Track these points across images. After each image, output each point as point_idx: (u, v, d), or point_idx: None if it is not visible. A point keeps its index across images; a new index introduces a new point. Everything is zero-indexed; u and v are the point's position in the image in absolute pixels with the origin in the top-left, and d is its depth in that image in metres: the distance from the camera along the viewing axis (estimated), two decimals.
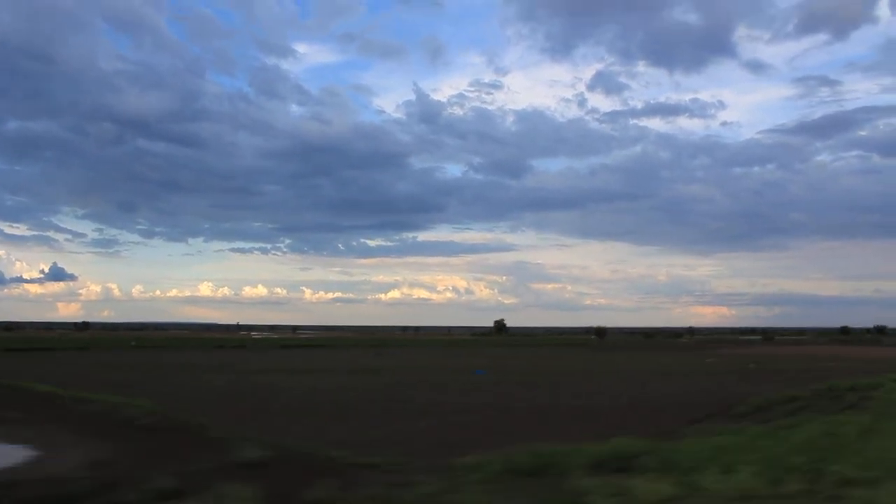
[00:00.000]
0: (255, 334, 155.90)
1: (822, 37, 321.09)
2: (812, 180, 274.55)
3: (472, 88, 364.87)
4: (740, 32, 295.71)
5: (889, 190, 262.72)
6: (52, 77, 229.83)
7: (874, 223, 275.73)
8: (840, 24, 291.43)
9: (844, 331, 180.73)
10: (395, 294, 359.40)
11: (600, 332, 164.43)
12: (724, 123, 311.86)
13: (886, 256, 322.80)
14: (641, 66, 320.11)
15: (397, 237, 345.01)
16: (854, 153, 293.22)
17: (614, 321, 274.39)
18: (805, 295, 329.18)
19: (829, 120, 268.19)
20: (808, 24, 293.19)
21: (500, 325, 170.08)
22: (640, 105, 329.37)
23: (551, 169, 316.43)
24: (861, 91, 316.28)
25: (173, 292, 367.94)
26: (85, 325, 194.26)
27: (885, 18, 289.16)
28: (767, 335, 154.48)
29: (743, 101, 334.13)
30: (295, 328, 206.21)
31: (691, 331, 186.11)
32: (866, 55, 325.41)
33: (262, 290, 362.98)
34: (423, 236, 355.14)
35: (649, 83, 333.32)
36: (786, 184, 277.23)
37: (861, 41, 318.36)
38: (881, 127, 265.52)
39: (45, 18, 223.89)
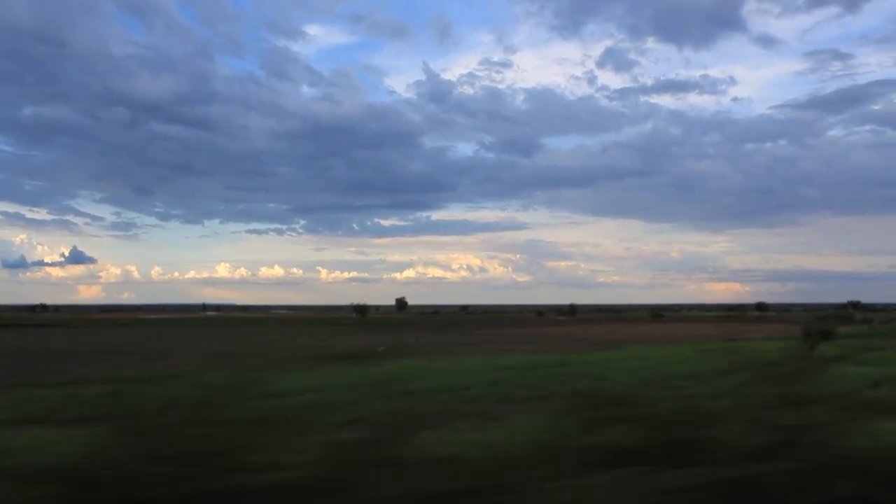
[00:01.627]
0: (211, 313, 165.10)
1: (834, 9, 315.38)
2: (824, 155, 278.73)
3: (482, 67, 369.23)
4: (750, 6, 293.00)
5: None
6: (65, 61, 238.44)
7: (888, 198, 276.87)
8: None
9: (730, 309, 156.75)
10: (410, 273, 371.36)
11: (401, 303, 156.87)
12: (734, 99, 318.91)
13: None
14: (651, 43, 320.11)
15: (411, 216, 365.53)
16: (867, 128, 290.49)
17: (628, 298, 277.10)
18: (818, 271, 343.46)
19: (841, 94, 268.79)
20: None
21: (401, 303, 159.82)
22: (650, 82, 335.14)
23: (562, 147, 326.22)
24: (874, 64, 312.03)
25: (191, 274, 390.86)
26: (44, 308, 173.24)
27: None
28: (656, 312, 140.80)
29: (754, 77, 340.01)
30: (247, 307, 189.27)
31: (572, 309, 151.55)
32: (879, 27, 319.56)
33: (278, 271, 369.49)
34: (436, 215, 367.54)
35: (659, 60, 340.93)
36: (798, 159, 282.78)
37: (873, 13, 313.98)
38: (894, 101, 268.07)
39: (55, 3, 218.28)
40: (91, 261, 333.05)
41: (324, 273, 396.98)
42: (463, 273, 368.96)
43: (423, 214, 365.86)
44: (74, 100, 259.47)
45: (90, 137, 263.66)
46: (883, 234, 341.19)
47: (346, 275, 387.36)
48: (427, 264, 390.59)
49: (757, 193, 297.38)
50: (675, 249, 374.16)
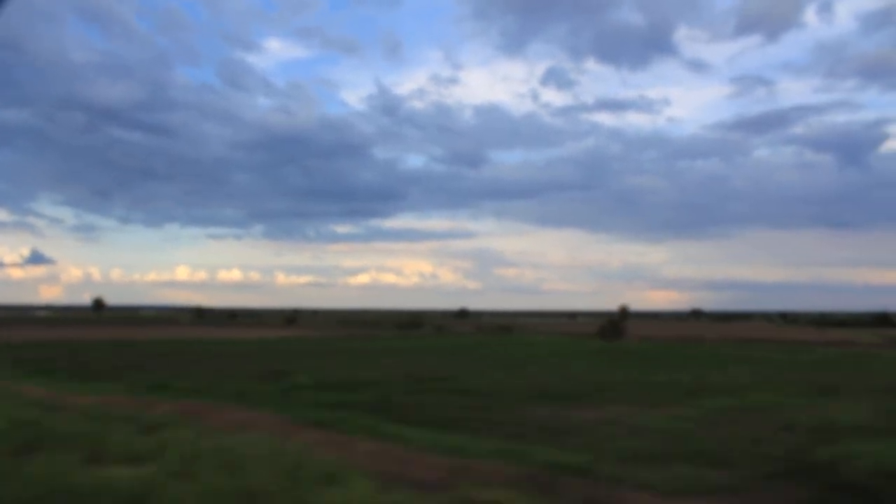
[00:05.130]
0: None
1: (757, 38, 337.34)
2: (752, 173, 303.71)
3: (431, 83, 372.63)
4: (681, 33, 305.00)
5: (822, 183, 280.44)
6: (23, 66, 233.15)
7: (810, 214, 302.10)
8: (771, 26, 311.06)
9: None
10: (364, 278, 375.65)
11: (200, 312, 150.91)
12: (669, 119, 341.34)
13: (823, 245, 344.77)
14: (590, 63, 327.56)
15: (364, 224, 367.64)
16: (790, 149, 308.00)
17: (574, 304, 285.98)
18: (749, 281, 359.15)
19: (765, 117, 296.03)
20: (744, 25, 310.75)
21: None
22: (590, 100, 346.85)
23: (509, 160, 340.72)
24: (794, 91, 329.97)
25: (152, 276, 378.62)
26: None
27: (812, 24, 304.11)
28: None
29: (686, 98, 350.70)
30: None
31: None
32: (799, 57, 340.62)
33: (237, 274, 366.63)
34: (388, 223, 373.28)
35: (598, 80, 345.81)
36: (728, 176, 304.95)
37: (792, 44, 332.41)
38: (813, 125, 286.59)
39: (13, 8, 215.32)
40: (51, 262, 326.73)
41: (281, 277, 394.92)
42: (415, 279, 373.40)
43: (375, 222, 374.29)
44: (34, 104, 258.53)
45: (48, 141, 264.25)
46: (807, 247, 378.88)
47: (302, 279, 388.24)
48: (380, 270, 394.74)
49: (691, 207, 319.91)
50: (616, 259, 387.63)
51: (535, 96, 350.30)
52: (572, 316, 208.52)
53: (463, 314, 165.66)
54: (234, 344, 47.27)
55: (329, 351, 40.26)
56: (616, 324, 55.84)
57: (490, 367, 28.15)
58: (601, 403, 16.09)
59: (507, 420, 13.24)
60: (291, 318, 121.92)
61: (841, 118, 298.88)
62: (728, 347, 45.67)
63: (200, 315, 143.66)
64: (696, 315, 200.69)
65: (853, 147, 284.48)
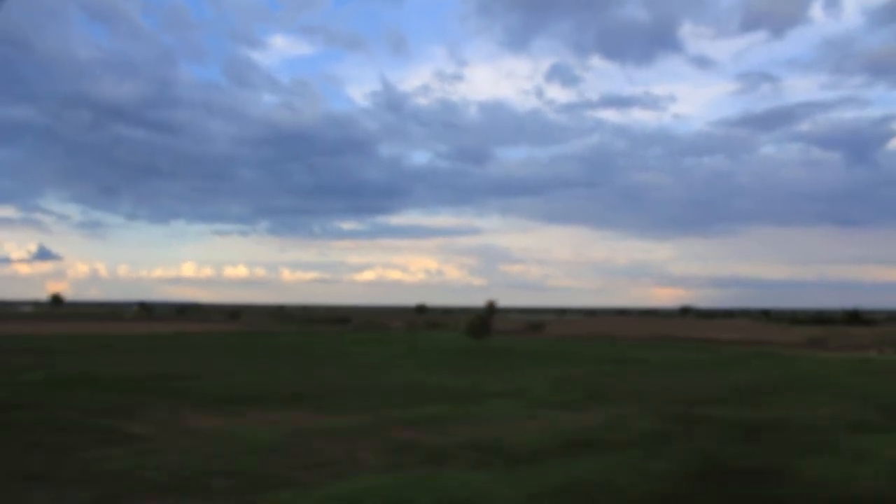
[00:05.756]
0: None
1: (762, 34, 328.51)
2: (758, 170, 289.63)
3: (436, 79, 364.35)
4: (686, 29, 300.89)
5: (829, 180, 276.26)
6: (30, 64, 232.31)
7: (816, 211, 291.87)
8: (777, 22, 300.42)
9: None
10: (369, 275, 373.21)
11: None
12: (675, 116, 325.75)
13: (828, 243, 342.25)
14: (595, 60, 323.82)
15: (369, 220, 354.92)
16: (796, 146, 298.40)
17: (579, 301, 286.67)
18: (754, 278, 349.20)
19: (771, 114, 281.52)
20: (749, 21, 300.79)
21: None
22: (595, 97, 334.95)
23: (513, 157, 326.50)
24: (800, 87, 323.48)
25: (158, 272, 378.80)
26: None
27: (818, 19, 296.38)
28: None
29: (692, 95, 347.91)
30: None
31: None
32: (804, 53, 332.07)
33: (243, 271, 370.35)
34: (394, 220, 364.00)
35: (603, 76, 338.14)
36: (734, 173, 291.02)
37: (798, 40, 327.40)
38: (820, 121, 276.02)
39: (22, 7, 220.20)
40: (57, 258, 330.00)
41: (286, 273, 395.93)
42: (421, 276, 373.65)
43: (381, 219, 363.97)
44: (41, 101, 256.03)
45: (55, 138, 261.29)
46: (814, 244, 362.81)
47: (308, 275, 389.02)
48: (386, 266, 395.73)
49: (697, 205, 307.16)
50: (622, 256, 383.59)
51: (539, 93, 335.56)
52: (562, 312, 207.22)
53: (421, 310, 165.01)
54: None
55: (181, 346, 41.53)
56: (484, 320, 54.31)
57: (277, 366, 28.17)
58: (274, 408, 15.68)
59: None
60: (235, 313, 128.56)
61: (848, 115, 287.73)
62: (634, 348, 44.20)
63: (147, 310, 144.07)
64: (684, 312, 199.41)
65: (860, 144, 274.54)
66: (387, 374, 25.01)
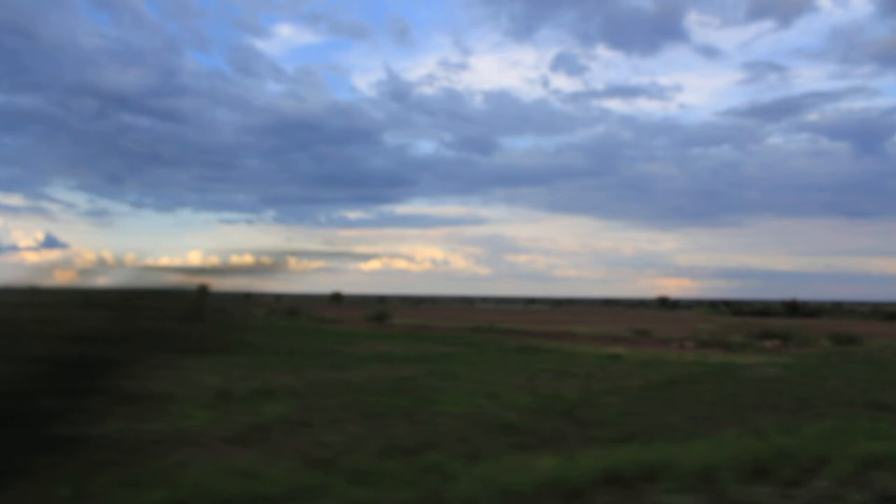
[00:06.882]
0: None
1: (769, 23, 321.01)
2: (765, 161, 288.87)
3: (441, 68, 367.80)
4: (692, 18, 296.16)
5: (837, 171, 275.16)
6: (35, 53, 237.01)
7: (824, 202, 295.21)
8: (784, 11, 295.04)
9: None
10: (375, 264, 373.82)
11: None
12: (681, 105, 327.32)
13: (835, 234, 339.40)
14: (600, 49, 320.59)
15: (375, 210, 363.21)
16: (804, 136, 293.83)
17: (585, 292, 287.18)
18: (761, 269, 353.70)
19: (778, 104, 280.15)
20: (756, 10, 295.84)
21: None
22: (601, 87, 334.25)
23: (519, 147, 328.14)
24: (808, 77, 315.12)
25: (164, 260, 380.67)
26: None
27: (826, 8, 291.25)
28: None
29: (698, 85, 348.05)
30: None
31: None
32: (812, 43, 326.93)
33: (249, 259, 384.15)
34: (400, 209, 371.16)
35: (609, 66, 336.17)
36: (741, 164, 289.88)
37: (806, 29, 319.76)
38: (828, 111, 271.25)
39: None
40: (64, 246, 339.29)
41: (292, 263, 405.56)
42: (427, 265, 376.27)
43: (387, 208, 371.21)
44: (47, 90, 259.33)
45: (61, 126, 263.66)
46: (820, 235, 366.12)
47: (314, 265, 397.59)
48: (392, 256, 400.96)
49: (704, 195, 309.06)
50: (627, 246, 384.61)
51: (545, 82, 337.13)
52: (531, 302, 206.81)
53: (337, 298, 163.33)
54: None
55: None
56: (383, 312, 56.11)
57: None
58: None
59: None
60: None
61: (856, 105, 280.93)
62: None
63: None
64: (662, 303, 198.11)
65: (869, 134, 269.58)
66: None
